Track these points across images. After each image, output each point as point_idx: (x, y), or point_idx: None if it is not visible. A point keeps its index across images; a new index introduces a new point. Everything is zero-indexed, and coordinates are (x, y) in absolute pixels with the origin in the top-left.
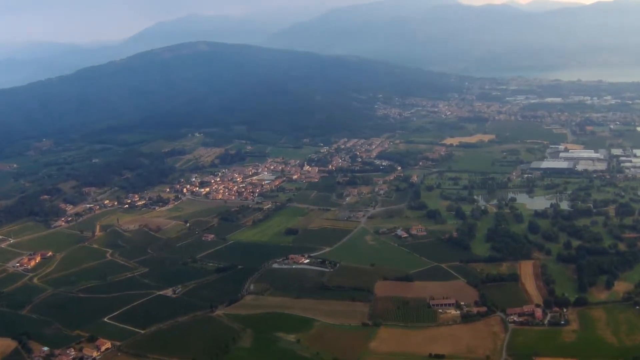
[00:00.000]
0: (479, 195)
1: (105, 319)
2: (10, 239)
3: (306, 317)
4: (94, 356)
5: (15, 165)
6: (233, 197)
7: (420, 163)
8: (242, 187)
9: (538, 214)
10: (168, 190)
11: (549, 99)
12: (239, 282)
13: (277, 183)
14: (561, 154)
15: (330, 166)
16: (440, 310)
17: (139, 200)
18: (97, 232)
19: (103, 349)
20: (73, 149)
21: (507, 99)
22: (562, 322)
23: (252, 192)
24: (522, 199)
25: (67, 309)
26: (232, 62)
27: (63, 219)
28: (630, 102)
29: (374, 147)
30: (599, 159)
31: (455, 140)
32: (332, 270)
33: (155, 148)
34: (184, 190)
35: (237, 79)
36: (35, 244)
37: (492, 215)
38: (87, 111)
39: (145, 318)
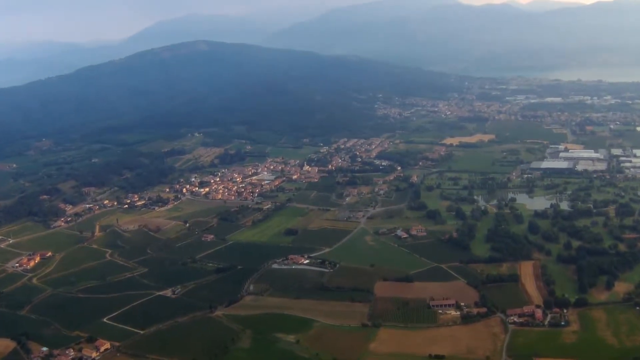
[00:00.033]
0: (479, 196)
1: (105, 320)
2: (9, 239)
3: (306, 317)
4: (93, 357)
5: (14, 165)
6: (233, 197)
7: (420, 163)
8: (242, 187)
9: (538, 215)
10: (167, 190)
11: (549, 99)
12: (238, 283)
13: (276, 183)
14: (561, 154)
15: (330, 166)
16: (440, 311)
17: (139, 200)
18: (97, 233)
19: (102, 349)
20: (72, 149)
21: (507, 98)
22: (563, 323)
23: (252, 192)
24: (522, 199)
25: (67, 310)
26: (232, 62)
27: (62, 219)
28: (630, 102)
29: (373, 147)
30: (599, 159)
31: (455, 140)
32: (331, 270)
33: (155, 148)
34: (184, 190)
35: (237, 78)
36: (35, 244)
37: (492, 216)
38: (87, 111)
39: (144, 318)
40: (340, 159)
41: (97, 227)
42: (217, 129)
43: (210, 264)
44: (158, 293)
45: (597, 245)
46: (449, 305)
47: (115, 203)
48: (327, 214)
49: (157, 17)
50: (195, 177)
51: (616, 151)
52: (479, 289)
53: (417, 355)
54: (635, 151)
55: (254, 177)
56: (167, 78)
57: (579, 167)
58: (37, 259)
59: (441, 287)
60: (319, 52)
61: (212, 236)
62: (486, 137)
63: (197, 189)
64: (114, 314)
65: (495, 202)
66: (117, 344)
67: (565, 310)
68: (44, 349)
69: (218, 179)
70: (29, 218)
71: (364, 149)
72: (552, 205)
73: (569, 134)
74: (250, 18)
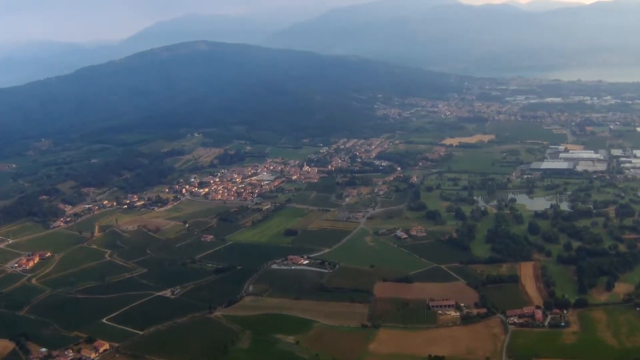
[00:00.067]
0: (479, 196)
1: (104, 320)
2: (8, 239)
3: (305, 318)
4: (92, 357)
5: (14, 165)
6: (232, 198)
7: (420, 163)
8: (242, 187)
9: (538, 215)
10: (167, 190)
11: (549, 99)
12: (237, 283)
13: (276, 183)
14: (561, 155)
15: (329, 166)
16: (440, 312)
17: (138, 200)
18: (96, 233)
19: (101, 350)
20: (72, 149)
21: (507, 99)
22: (563, 324)
23: (252, 192)
24: (522, 199)
25: (66, 310)
26: (232, 62)
27: (62, 219)
28: (630, 102)
29: (373, 147)
30: (599, 160)
31: (454, 141)
32: (331, 271)
33: (155, 148)
34: (183, 190)
35: (237, 78)
36: (34, 244)
37: (492, 216)
38: (86, 111)
39: (143, 319)
40: (340, 159)
41: (97, 228)
42: (217, 129)
43: (210, 265)
44: (157, 293)
45: (597, 246)
46: (449, 306)
47: (115, 203)
48: (326, 215)
49: (157, 17)
50: (195, 178)
51: (616, 152)
52: (479, 290)
53: (417, 356)
54: (635, 152)
55: (253, 178)
56: (166, 78)
57: (579, 168)
58: (36, 259)
59: (441, 288)
60: (319, 52)
61: (211, 236)
62: (486, 138)
63: (196, 189)
64: (113, 315)
65: (495, 202)
66: (116, 344)
67: (565, 311)
68: (43, 349)
69: (217, 180)
70: (28, 218)
71: (363, 150)
72: (552, 206)
73: (568, 134)
74: (250, 18)
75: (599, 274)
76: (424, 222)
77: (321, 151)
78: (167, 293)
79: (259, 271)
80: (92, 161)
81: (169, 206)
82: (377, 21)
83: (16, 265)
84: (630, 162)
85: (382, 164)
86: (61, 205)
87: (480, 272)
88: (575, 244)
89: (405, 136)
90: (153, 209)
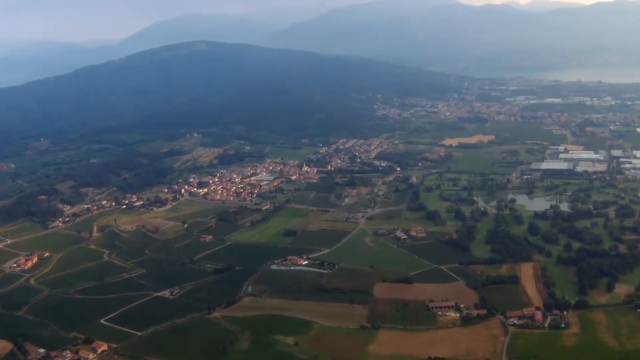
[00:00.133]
0: (479, 197)
1: (102, 321)
2: (7, 239)
3: (304, 319)
4: (90, 358)
5: (13, 165)
6: (231, 198)
7: (420, 164)
8: (241, 187)
9: (538, 216)
10: (166, 190)
11: (548, 100)
12: (236, 284)
13: (275, 184)
14: (561, 155)
15: (329, 167)
16: (439, 313)
17: (137, 200)
18: (95, 233)
19: (99, 351)
20: (71, 149)
21: (507, 99)
22: (563, 325)
23: (251, 192)
24: (522, 200)
25: (64, 311)
26: (232, 62)
27: (60, 219)
28: (630, 103)
29: (373, 147)
30: (598, 160)
31: (454, 141)
32: (330, 272)
33: (154, 148)
34: (182, 190)
35: (237, 78)
36: (33, 244)
37: (491, 217)
38: (86, 111)
39: (142, 320)
40: (340, 159)
41: (95, 228)
42: (216, 129)
43: (209, 265)
44: (156, 294)
45: (598, 247)
46: (449, 307)
47: (114, 203)
48: (326, 215)
49: (156, 17)
50: (194, 178)
51: (616, 152)
52: (479, 291)
53: (417, 357)
54: (635, 152)
55: (252, 178)
56: (166, 78)
57: (579, 168)
58: (35, 259)
59: (440, 289)
60: (318, 52)
61: (210, 237)
62: (486, 138)
63: (195, 189)
64: (111, 315)
65: (494, 203)
66: (114, 345)
67: (565, 313)
68: (41, 350)
69: (217, 180)
70: (27, 218)
71: (363, 150)
72: (552, 207)
73: (568, 135)
74: (250, 18)
75: (599, 275)
76: (424, 222)
77: (320, 151)
78: (166, 293)
79: (258, 272)
80: (91, 161)
81: (168, 206)
82: (377, 21)
83: (14, 265)
84: (630, 162)
85: (382, 164)
86: (60, 205)
87: (480, 273)
88: (576, 244)
89: (404, 136)
90: (152, 209)
